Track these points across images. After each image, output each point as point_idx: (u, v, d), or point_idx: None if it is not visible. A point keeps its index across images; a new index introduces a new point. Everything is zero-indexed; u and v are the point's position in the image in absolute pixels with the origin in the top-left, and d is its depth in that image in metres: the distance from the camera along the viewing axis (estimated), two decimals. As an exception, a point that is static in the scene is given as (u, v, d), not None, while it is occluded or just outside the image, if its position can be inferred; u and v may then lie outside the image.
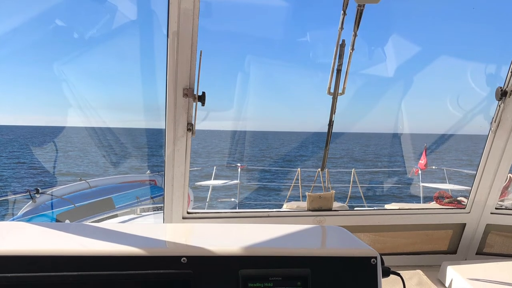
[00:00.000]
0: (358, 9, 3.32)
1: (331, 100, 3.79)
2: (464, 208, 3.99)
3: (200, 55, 2.96)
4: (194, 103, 3.09)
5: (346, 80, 3.72)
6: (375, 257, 1.74)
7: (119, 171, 27.92)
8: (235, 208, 12.98)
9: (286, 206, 4.92)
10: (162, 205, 3.48)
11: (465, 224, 3.99)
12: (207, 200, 12.70)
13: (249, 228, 2.24)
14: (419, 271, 3.55)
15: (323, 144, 4.10)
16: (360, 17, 3.39)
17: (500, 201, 4.16)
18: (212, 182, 13.20)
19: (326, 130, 3.98)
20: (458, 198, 4.34)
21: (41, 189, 9.07)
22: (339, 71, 3.67)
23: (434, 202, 4.55)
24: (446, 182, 13.81)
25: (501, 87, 3.53)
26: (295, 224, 2.21)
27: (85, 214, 8.87)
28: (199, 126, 3.22)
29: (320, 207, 3.84)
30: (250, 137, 76.42)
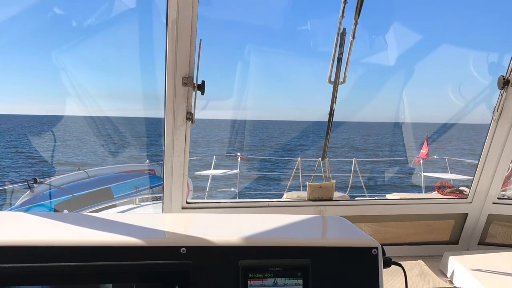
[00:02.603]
0: (359, -3, 3.30)
1: (332, 89, 3.78)
2: (466, 198, 3.98)
3: (200, 44, 2.94)
4: (194, 92, 3.08)
5: (347, 69, 3.71)
6: (376, 248, 1.72)
7: (117, 161, 27.91)
8: (235, 198, 13.02)
9: (286, 196, 4.92)
10: (161, 195, 3.47)
11: (467, 214, 3.98)
12: (207, 190, 12.70)
13: (249, 218, 2.22)
14: (420, 262, 3.55)
15: (324, 133, 4.09)
16: (361, 5, 3.38)
17: (502, 190, 4.16)
18: (212, 172, 13.19)
19: (326, 119, 3.96)
20: (460, 188, 4.34)
21: (39, 178, 9.07)
22: (339, 59, 3.67)
23: (436, 192, 4.55)
24: (447, 172, 13.80)
25: (503, 76, 3.52)
26: (295, 214, 2.19)
27: (84, 204, 8.87)
28: (198, 115, 3.20)
29: (320, 197, 3.83)
30: (250, 127, 76.44)
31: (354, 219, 3.34)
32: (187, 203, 3.51)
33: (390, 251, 1.88)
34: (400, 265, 1.82)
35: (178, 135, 3.19)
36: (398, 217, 3.93)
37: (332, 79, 3.72)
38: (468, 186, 4.08)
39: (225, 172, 14.14)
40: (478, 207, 3.95)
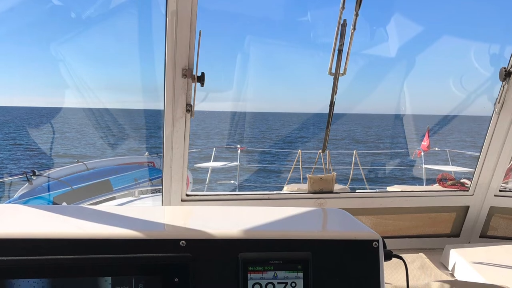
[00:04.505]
0: (360, -13, 3.29)
1: (332, 80, 3.76)
2: (467, 191, 3.97)
3: (199, 35, 2.92)
4: (193, 84, 3.07)
5: (348, 61, 3.70)
6: (377, 240, 1.71)
7: (117, 153, 27.87)
8: (235, 191, 13.02)
9: (286, 188, 4.92)
10: (161, 187, 3.47)
11: (469, 206, 3.97)
12: (206, 182, 12.71)
13: (249, 211, 2.21)
14: (421, 255, 3.54)
15: (324, 125, 4.07)
16: (361, -4, 3.36)
17: (504, 183, 4.15)
18: (212, 164, 13.20)
19: (327, 111, 3.95)
20: (462, 180, 4.33)
21: (38, 171, 9.08)
22: (340, 51, 3.65)
23: (437, 184, 4.53)
24: (449, 164, 13.86)
25: (505, 68, 3.51)
26: (295, 206, 2.18)
27: (83, 196, 8.87)
28: (198, 107, 3.19)
29: (321, 189, 3.82)
30: (250, 118, 76.51)
31: (355, 211, 3.33)
32: (187, 195, 3.50)
33: (391, 244, 1.86)
34: (401, 258, 1.80)
35: (178, 127, 3.18)
36: (399, 210, 3.92)
37: (333, 70, 3.70)
38: (470, 179, 4.07)
39: (225, 165, 14.15)
40: (480, 199, 3.94)
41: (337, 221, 2.07)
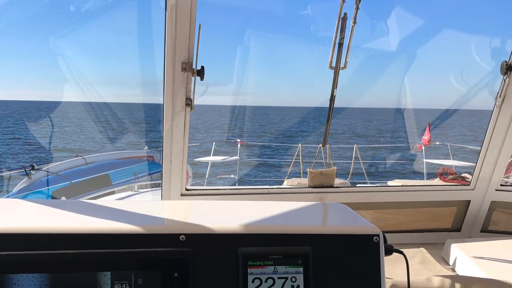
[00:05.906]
0: (360, -19, 3.28)
1: (333, 74, 3.75)
2: (468, 185, 3.96)
3: (199, 29, 2.91)
4: (193, 78, 3.06)
5: (348, 54, 3.69)
6: (378, 235, 1.70)
7: (116, 147, 27.87)
8: (235, 185, 13.03)
9: (286, 183, 4.91)
10: (160, 181, 3.46)
11: (470, 201, 3.96)
12: (206, 177, 12.71)
13: (249, 205, 2.21)
14: (422, 249, 3.52)
15: (325, 119, 4.07)
16: (362, -10, 3.35)
17: (505, 177, 4.14)
18: (211, 158, 13.20)
19: (327, 105, 3.94)
20: (463, 175, 4.33)
21: (37, 165, 9.09)
22: (340, 45, 3.65)
23: (438, 178, 4.54)
24: (450, 158, 13.86)
25: (506, 61, 3.50)
26: (295, 201, 2.18)
27: (82, 191, 8.89)
28: (198, 101, 3.18)
29: (321, 184, 3.81)
30: (250, 112, 76.48)
31: (355, 206, 3.32)
32: (186, 190, 3.49)
33: (391, 239, 1.86)
34: (401, 252, 1.79)
35: (177, 121, 3.17)
36: (399, 204, 3.91)
37: (333, 64, 3.69)
38: (471, 173, 4.06)
39: (224, 159, 14.16)
40: (481, 194, 3.93)
41: (338, 215, 2.07)
